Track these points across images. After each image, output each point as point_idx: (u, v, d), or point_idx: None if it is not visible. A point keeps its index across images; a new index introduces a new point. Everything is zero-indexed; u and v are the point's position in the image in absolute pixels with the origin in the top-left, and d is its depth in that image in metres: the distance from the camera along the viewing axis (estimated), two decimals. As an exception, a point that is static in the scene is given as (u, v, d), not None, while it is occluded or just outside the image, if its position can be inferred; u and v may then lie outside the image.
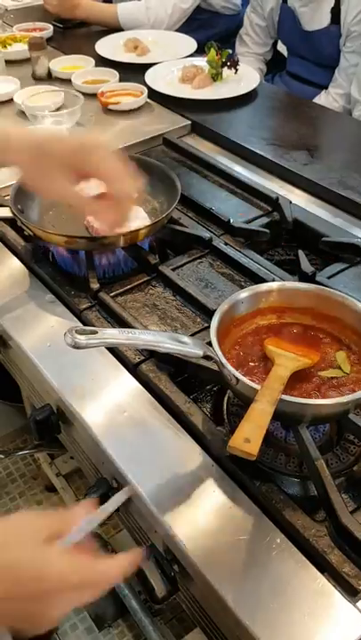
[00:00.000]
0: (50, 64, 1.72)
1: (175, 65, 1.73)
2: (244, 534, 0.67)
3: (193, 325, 0.92)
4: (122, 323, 0.90)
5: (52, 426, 0.90)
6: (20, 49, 1.81)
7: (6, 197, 1.16)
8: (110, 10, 2.07)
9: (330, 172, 1.29)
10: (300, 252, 1.05)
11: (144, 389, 0.83)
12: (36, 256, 1.07)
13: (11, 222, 1.15)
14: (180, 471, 0.74)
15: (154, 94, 1.60)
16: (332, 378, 0.75)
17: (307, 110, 1.58)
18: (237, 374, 0.69)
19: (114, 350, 0.88)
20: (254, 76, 1.67)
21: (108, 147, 0.84)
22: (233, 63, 1.66)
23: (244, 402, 0.74)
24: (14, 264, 1.08)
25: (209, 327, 0.74)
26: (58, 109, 1.49)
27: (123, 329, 0.71)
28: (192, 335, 0.89)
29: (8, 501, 1.82)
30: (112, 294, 0.96)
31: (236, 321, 0.81)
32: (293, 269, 1.05)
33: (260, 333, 0.82)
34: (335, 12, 1.89)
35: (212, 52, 1.64)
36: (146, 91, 1.57)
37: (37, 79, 1.72)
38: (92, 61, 1.75)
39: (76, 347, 0.62)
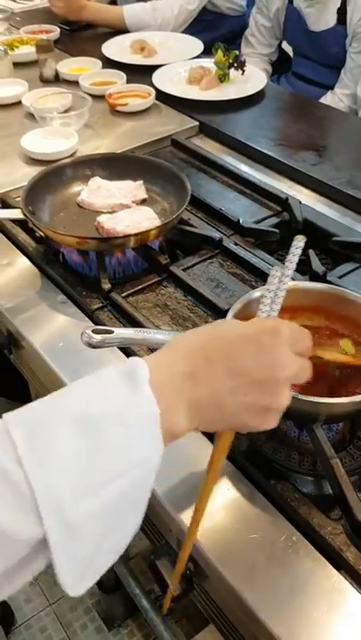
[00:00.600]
0: (57, 66, 1.73)
1: (182, 66, 1.74)
2: (260, 532, 0.68)
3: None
4: (134, 323, 0.90)
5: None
6: (27, 51, 1.82)
7: (17, 199, 1.17)
8: (116, 11, 2.08)
9: (338, 171, 1.29)
10: (311, 252, 1.05)
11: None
12: (47, 257, 1.07)
13: (22, 224, 1.15)
14: (193, 469, 0.74)
15: (161, 96, 1.60)
16: (347, 376, 0.75)
17: (314, 110, 1.58)
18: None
19: (126, 350, 0.88)
20: (261, 76, 1.68)
21: None
22: (240, 64, 1.66)
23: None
24: (26, 265, 1.08)
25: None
26: (66, 111, 1.50)
27: (138, 328, 0.71)
28: (204, 335, 0.89)
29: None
30: (123, 294, 0.97)
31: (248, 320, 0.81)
32: (304, 269, 1.05)
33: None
34: (341, 13, 1.90)
35: (220, 53, 1.64)
36: (153, 92, 1.58)
37: (45, 81, 1.72)
38: (100, 63, 1.76)
39: (93, 346, 0.62)
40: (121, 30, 2.04)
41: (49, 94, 1.51)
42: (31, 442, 0.42)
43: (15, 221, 1.15)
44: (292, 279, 0.99)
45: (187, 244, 1.12)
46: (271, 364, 0.53)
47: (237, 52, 1.67)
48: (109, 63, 1.79)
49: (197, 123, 1.50)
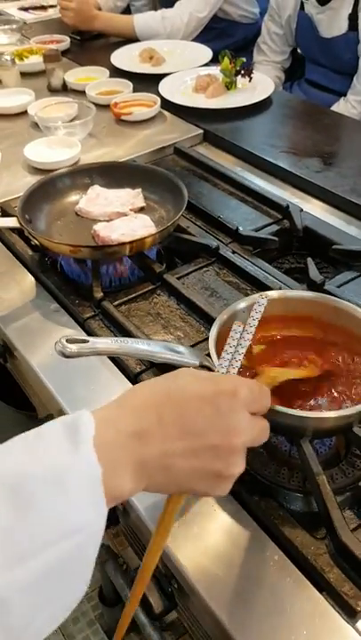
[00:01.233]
0: (65, 76, 1.73)
1: (189, 74, 1.73)
2: (242, 550, 0.65)
3: (196, 335, 0.91)
4: (124, 331, 0.89)
5: (55, 436, 0.89)
6: (35, 61, 1.83)
7: (16, 207, 1.17)
8: (127, 20, 2.09)
9: (343, 179, 1.27)
10: (310, 260, 1.03)
11: (145, 400, 0.82)
12: (44, 265, 1.07)
13: (19, 232, 1.15)
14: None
15: (168, 104, 1.60)
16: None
17: (321, 117, 1.56)
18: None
19: (116, 360, 0.87)
20: (269, 83, 1.66)
21: None
22: (247, 72, 1.65)
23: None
24: (22, 273, 1.08)
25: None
26: (71, 121, 1.50)
27: (115, 338, 0.70)
28: (195, 345, 0.88)
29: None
30: (116, 303, 0.96)
31: (237, 331, 0.79)
32: (303, 278, 1.03)
33: (264, 343, 0.80)
34: (353, 19, 1.87)
35: (226, 60, 1.63)
36: (159, 101, 1.57)
37: (52, 91, 1.73)
38: (107, 72, 1.76)
39: (66, 356, 0.61)
40: (132, 39, 2.05)
41: (53, 104, 1.52)
42: None
43: (13, 230, 1.15)
44: (289, 288, 0.98)
45: (184, 251, 1.11)
46: (227, 429, 0.51)
47: (244, 59, 1.66)
48: (118, 72, 1.80)
49: (202, 131, 1.49)
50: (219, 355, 0.71)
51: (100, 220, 1.10)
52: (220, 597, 0.62)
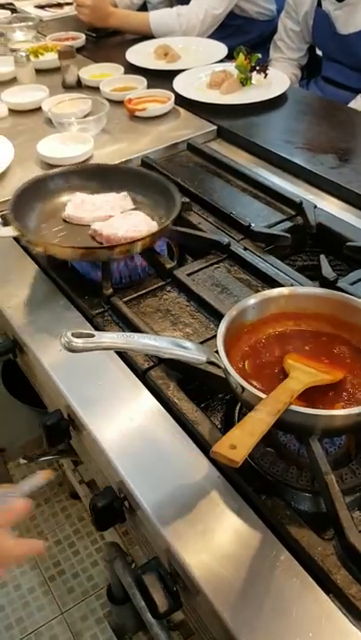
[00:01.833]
0: (79, 72, 1.73)
1: (204, 71, 1.72)
2: (248, 549, 0.64)
3: (206, 331, 0.89)
4: (132, 328, 0.88)
5: (62, 431, 0.88)
6: (51, 58, 1.84)
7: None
8: (142, 17, 2.08)
9: (358, 175, 1.25)
10: (322, 257, 1.01)
11: (152, 396, 0.81)
12: (54, 261, 1.06)
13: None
14: (184, 482, 0.71)
15: (182, 100, 1.59)
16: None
17: (337, 114, 1.54)
18: (243, 382, 0.66)
19: (124, 355, 0.86)
20: (284, 80, 1.64)
21: None
22: (262, 68, 1.63)
23: (251, 411, 0.71)
24: (32, 269, 1.08)
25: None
26: (85, 117, 1.50)
27: (121, 333, 0.69)
28: (204, 341, 0.87)
29: (33, 507, 1.81)
30: (125, 299, 0.95)
31: (247, 327, 0.78)
32: (316, 275, 1.02)
33: (276, 340, 0.79)
34: (370, 15, 1.85)
35: (241, 56, 1.62)
36: (173, 97, 1.56)
37: (67, 87, 1.73)
38: (122, 69, 1.76)
39: (72, 350, 0.60)
40: (147, 36, 2.05)
41: (67, 100, 1.51)
42: None
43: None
44: (301, 285, 0.97)
45: (195, 248, 1.10)
46: None
47: (260, 55, 1.64)
48: (133, 69, 1.79)
49: (215, 127, 1.48)
50: (227, 351, 0.70)
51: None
52: (226, 597, 0.60)
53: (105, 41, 2.12)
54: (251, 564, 0.63)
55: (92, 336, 0.61)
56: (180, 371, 0.81)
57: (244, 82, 1.63)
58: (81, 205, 1.10)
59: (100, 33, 2.14)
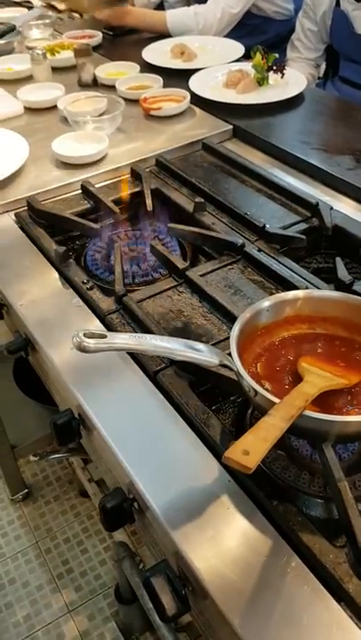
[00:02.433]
0: (95, 71, 1.73)
1: (220, 70, 1.71)
2: (258, 555, 0.63)
3: (218, 333, 0.89)
4: (144, 328, 0.88)
5: (73, 431, 0.88)
6: (67, 56, 1.83)
7: (43, 202, 1.16)
8: (159, 16, 2.08)
9: (375, 177, 1.23)
10: (338, 259, 1.00)
11: (163, 398, 0.81)
12: (67, 260, 1.06)
13: (45, 227, 1.15)
14: (194, 485, 0.71)
15: (198, 100, 1.58)
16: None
17: (354, 114, 1.52)
18: (255, 386, 0.65)
19: (135, 356, 0.86)
20: (301, 80, 1.63)
21: None
22: (279, 67, 1.62)
23: (263, 415, 0.70)
24: (45, 268, 1.07)
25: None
26: (100, 115, 1.50)
27: (133, 334, 0.69)
28: (216, 343, 0.86)
29: (43, 504, 1.82)
30: (137, 299, 0.94)
31: (260, 330, 0.77)
32: (331, 278, 1.00)
33: (290, 344, 0.78)
34: (389, 15, 1.83)
35: (258, 56, 1.60)
36: (188, 96, 1.55)
37: (83, 86, 1.73)
38: (138, 67, 1.75)
39: (84, 350, 0.60)
40: (164, 35, 2.04)
41: (82, 98, 1.51)
42: None
43: (38, 223, 1.14)
44: (316, 287, 0.96)
45: (208, 249, 1.09)
46: None
47: (277, 55, 1.63)
48: (149, 68, 1.78)
49: (231, 126, 1.47)
50: (240, 354, 0.69)
51: None
52: (234, 603, 0.60)
53: (121, 39, 2.12)
54: (261, 570, 0.62)
55: (105, 337, 0.61)
56: (192, 373, 0.81)
57: (261, 82, 1.62)
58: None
59: (116, 31, 2.13)
